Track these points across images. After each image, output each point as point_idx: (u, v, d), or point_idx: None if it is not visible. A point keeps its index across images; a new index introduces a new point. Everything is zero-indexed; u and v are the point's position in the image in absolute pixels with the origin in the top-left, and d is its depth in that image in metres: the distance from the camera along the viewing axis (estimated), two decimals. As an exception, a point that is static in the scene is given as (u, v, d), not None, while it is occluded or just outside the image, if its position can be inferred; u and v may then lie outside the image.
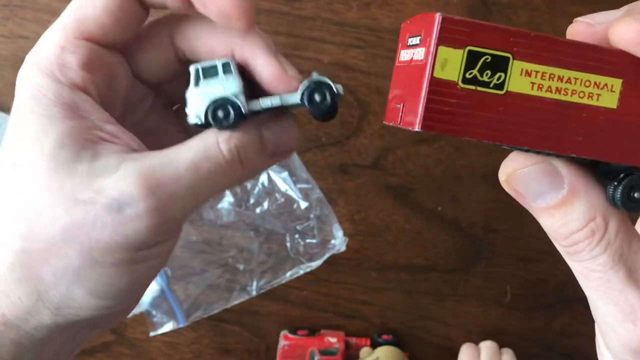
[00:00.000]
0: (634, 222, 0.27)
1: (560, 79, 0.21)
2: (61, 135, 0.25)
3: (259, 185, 0.66)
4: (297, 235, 0.67)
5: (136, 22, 0.28)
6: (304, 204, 0.66)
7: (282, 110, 0.28)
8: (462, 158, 0.66)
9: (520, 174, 0.24)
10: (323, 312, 0.69)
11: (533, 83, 0.21)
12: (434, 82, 0.20)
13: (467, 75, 0.21)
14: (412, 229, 0.68)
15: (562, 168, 0.23)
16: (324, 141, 0.66)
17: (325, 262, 0.66)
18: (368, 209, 0.67)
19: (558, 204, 0.23)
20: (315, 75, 0.27)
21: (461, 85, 0.21)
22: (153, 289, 0.66)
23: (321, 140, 0.66)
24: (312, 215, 0.66)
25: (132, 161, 0.25)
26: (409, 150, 0.66)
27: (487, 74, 0.21)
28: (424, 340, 0.70)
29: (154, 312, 0.66)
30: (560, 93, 0.21)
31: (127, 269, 0.26)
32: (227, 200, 0.66)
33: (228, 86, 0.27)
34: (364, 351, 0.67)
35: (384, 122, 0.24)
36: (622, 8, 0.22)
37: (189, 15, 0.28)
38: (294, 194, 0.66)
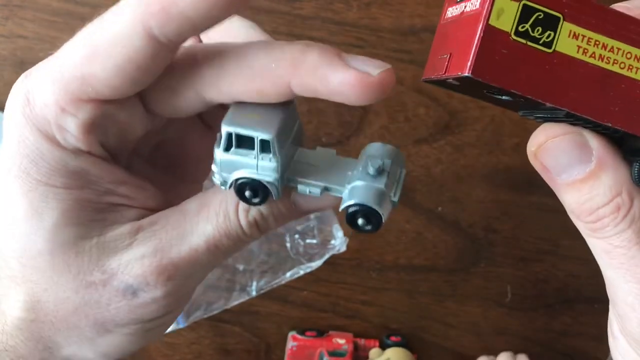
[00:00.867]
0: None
1: (604, 46, 0.22)
2: (65, 211, 0.23)
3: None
4: (297, 236, 0.67)
5: (157, 71, 0.22)
6: (304, 204, 0.66)
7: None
8: (462, 158, 0.66)
9: (551, 144, 0.23)
10: (323, 313, 0.69)
11: (579, 46, 0.22)
12: (489, 29, 0.21)
13: (520, 29, 0.21)
14: (412, 229, 0.68)
15: (592, 140, 0.23)
16: (324, 141, 0.66)
17: (325, 262, 0.66)
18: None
19: (585, 178, 0.23)
20: (371, 169, 0.23)
21: (513, 37, 0.21)
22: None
23: (321, 140, 0.66)
24: (312, 216, 0.66)
25: (147, 234, 0.23)
26: (409, 150, 0.66)
27: (538, 30, 0.21)
28: (424, 340, 0.70)
29: (153, 313, 0.66)
30: (602, 60, 0.22)
31: (140, 335, 0.25)
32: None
33: (263, 167, 0.22)
34: (374, 352, 0.67)
35: (422, 79, 0.24)
36: None
37: (221, 48, 0.23)
38: (294, 194, 0.66)
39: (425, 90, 0.64)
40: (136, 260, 0.23)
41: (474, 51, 0.21)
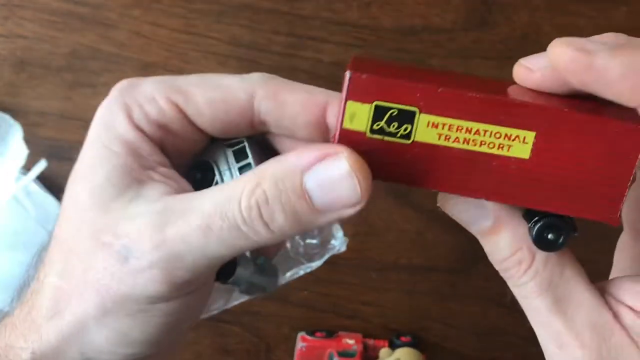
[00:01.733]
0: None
1: (468, 130, 0.23)
2: (112, 170, 0.25)
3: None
4: (297, 236, 0.67)
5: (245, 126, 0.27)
6: (304, 204, 0.66)
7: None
8: (462, 158, 0.66)
9: (452, 204, 0.25)
10: (323, 313, 0.69)
11: (440, 134, 0.23)
12: (343, 132, 0.23)
13: (375, 127, 0.23)
14: (412, 229, 0.68)
15: (487, 201, 0.24)
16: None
17: (325, 262, 0.66)
18: (368, 209, 0.67)
19: (489, 232, 0.25)
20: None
21: (369, 135, 0.23)
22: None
23: (321, 140, 0.66)
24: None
25: (163, 202, 0.24)
26: (409, 150, 0.66)
27: (394, 125, 0.23)
28: (424, 340, 0.70)
29: (153, 313, 0.66)
30: (468, 144, 0.23)
31: (140, 319, 0.25)
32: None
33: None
34: (384, 352, 0.67)
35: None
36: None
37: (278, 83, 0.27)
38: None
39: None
40: (137, 230, 0.24)
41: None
